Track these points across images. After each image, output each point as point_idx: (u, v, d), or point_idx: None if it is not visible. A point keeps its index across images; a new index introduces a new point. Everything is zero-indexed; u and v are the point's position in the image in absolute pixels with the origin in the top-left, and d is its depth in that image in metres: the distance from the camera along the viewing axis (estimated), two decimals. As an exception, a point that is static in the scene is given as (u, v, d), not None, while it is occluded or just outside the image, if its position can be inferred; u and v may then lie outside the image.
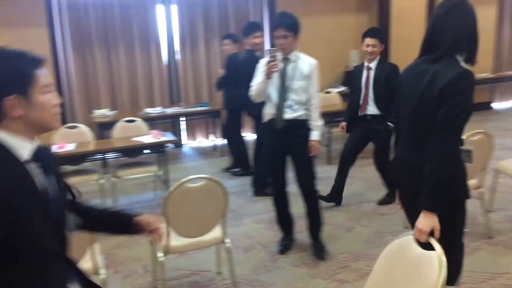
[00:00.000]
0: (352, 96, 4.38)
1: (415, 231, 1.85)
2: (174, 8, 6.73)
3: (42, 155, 1.40)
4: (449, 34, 1.89)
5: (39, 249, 1.33)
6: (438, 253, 1.62)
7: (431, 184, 1.89)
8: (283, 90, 3.23)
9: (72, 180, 4.25)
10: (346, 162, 4.35)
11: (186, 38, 6.79)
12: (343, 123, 4.41)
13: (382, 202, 4.35)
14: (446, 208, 1.91)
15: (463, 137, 2.04)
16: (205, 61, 6.90)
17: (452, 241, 1.76)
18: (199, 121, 7.00)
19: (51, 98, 1.38)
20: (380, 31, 4.09)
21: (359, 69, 4.29)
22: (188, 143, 7.19)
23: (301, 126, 3.28)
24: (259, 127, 4.39)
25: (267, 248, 3.61)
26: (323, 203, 3.96)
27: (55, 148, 4.16)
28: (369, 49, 4.09)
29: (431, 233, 1.84)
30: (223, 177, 5.32)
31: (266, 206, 4.24)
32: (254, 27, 4.82)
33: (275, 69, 3.07)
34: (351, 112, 4.33)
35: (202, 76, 6.90)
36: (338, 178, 4.37)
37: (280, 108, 3.24)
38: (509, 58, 8.80)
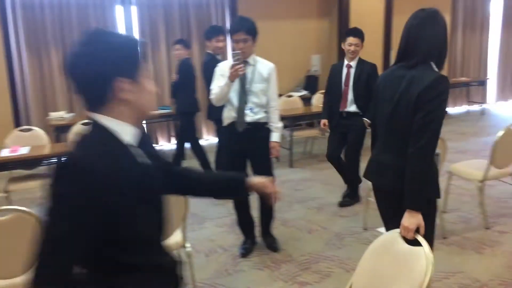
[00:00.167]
0: (329, 93, 4.45)
1: (401, 229, 1.91)
2: (134, 10, 6.62)
3: (144, 141, 1.35)
4: (424, 43, 2.01)
5: (143, 237, 1.28)
6: (425, 249, 1.67)
7: (414, 186, 1.99)
8: (244, 93, 3.23)
9: (26, 185, 4.12)
10: (334, 160, 4.41)
11: (147, 40, 6.69)
12: (324, 121, 4.45)
13: (343, 204, 4.42)
14: (425, 207, 2.02)
15: None
16: (166, 64, 6.82)
17: (427, 238, 1.85)
18: (161, 124, 6.90)
19: (152, 84, 1.32)
20: (362, 31, 4.20)
21: (338, 67, 4.38)
22: (149, 147, 7.07)
23: (262, 129, 3.32)
24: (220, 131, 4.37)
25: (228, 251, 3.60)
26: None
27: (7, 152, 3.99)
28: (352, 48, 4.18)
29: (417, 230, 1.93)
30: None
31: (227, 209, 4.22)
32: (217, 31, 4.81)
33: (241, 72, 3.07)
34: (330, 109, 4.40)
35: (163, 79, 6.81)
36: (344, 175, 4.43)
37: (241, 111, 3.24)
38: (462, 64, 9.20)
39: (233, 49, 3.18)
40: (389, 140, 2.15)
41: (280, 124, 3.39)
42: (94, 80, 1.20)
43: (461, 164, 4.03)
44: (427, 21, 2.02)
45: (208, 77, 3.67)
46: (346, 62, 4.29)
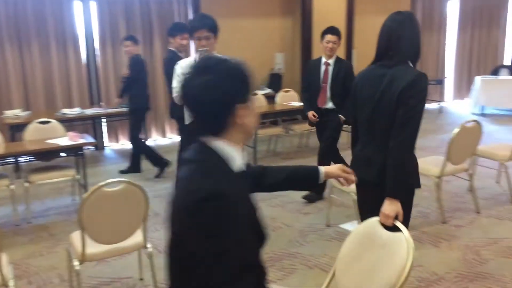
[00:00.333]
0: (309, 89, 4.48)
1: (381, 216, 1.99)
2: (93, 5, 6.45)
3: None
4: (404, 43, 2.13)
5: (242, 263, 1.29)
6: (405, 234, 1.71)
7: (395, 176, 2.11)
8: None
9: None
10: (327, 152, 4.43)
11: (107, 36, 6.54)
12: (311, 112, 4.43)
13: (309, 198, 4.44)
14: (404, 195, 2.15)
15: None
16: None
17: (404, 224, 1.93)
18: (122, 122, 6.75)
19: (255, 105, 1.35)
20: (339, 30, 4.25)
21: (316, 63, 4.41)
22: (110, 145, 6.91)
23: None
24: (183, 129, 4.32)
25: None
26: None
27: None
28: (330, 45, 4.23)
29: (395, 218, 2.03)
30: (146, 180, 5.18)
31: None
32: (182, 28, 4.74)
33: None
34: (310, 102, 4.44)
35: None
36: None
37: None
38: (421, 63, 9.44)
39: (197, 47, 3.14)
40: (372, 135, 2.24)
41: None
42: (216, 109, 1.25)
43: (420, 161, 4.11)
44: (406, 22, 2.14)
45: (171, 75, 3.61)
46: (324, 59, 4.34)
